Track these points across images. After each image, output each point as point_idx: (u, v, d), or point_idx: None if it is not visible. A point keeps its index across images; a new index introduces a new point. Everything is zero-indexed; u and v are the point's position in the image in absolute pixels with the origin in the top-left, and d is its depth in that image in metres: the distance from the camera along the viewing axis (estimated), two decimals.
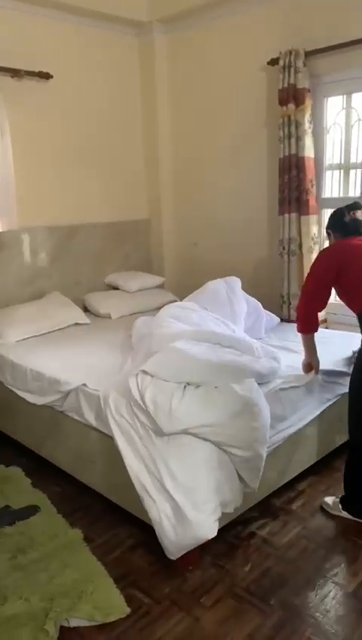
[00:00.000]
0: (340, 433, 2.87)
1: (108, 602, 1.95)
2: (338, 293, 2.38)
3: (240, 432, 2.02)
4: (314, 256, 3.29)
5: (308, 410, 2.55)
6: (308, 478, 2.71)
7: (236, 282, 3.19)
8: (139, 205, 4.37)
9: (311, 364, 2.53)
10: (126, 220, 4.24)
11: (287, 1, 3.31)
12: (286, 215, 3.39)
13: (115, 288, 4.09)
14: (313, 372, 2.53)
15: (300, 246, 3.42)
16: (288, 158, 3.32)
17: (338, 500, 2.44)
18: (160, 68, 4.09)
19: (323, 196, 3.49)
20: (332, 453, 2.84)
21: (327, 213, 3.50)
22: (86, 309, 3.90)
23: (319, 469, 2.77)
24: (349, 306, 2.36)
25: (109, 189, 4.12)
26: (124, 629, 1.86)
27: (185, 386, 2.14)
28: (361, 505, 2.37)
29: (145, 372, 2.19)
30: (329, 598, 1.96)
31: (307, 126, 3.24)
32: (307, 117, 3.23)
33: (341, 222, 2.44)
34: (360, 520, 2.37)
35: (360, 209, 2.44)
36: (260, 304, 3.25)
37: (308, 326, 2.46)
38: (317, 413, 2.59)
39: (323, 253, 2.46)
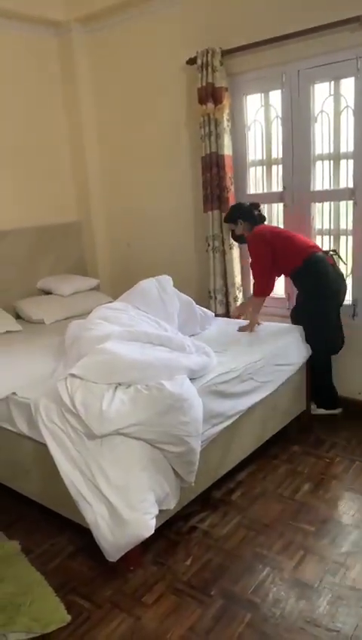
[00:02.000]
0: (275, 422, 2.95)
1: (48, 612, 1.91)
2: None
3: (171, 428, 2.03)
4: (235, 252, 3.52)
5: (243, 402, 2.59)
6: (247, 468, 2.77)
7: (167, 281, 3.19)
8: (69, 207, 4.31)
9: (250, 325, 3.16)
10: (55, 223, 4.17)
11: (204, 0, 3.36)
12: (210, 212, 3.46)
13: (48, 293, 4.01)
14: (248, 330, 3.14)
15: (223, 242, 3.50)
16: (209, 156, 3.38)
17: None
18: (80, 67, 4.05)
19: (247, 192, 3.57)
20: (268, 442, 2.91)
21: None
22: (18, 316, 3.81)
23: (257, 458, 2.84)
24: (283, 273, 3.18)
25: (36, 193, 4.03)
26: (64, 638, 1.83)
27: (115, 387, 2.14)
28: (328, 400, 3.27)
29: (73, 375, 2.16)
30: (267, 583, 2.01)
31: (226, 124, 3.31)
32: (225, 115, 3.30)
33: (251, 214, 3.21)
34: (331, 411, 3.30)
35: (259, 206, 3.27)
36: (193, 301, 3.28)
37: (267, 291, 3.15)
38: (252, 404, 2.64)
39: (258, 242, 3.09)
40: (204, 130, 3.35)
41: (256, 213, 3.22)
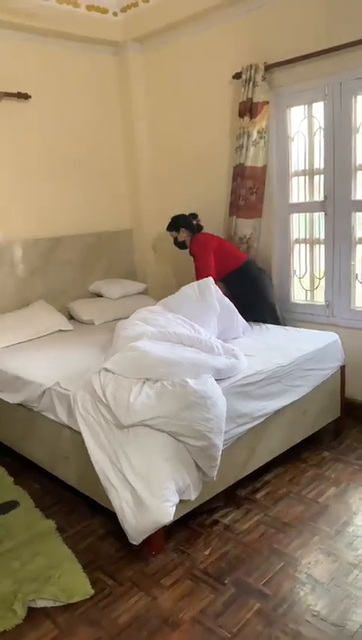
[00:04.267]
0: (306, 426, 3.00)
1: (74, 585, 2.09)
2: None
3: (193, 423, 2.16)
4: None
5: (271, 404, 2.67)
6: (274, 469, 2.84)
7: (207, 286, 3.31)
8: (122, 216, 4.55)
9: None
10: (109, 230, 4.42)
11: (250, 16, 3.49)
12: (233, 217, 3.70)
13: (99, 295, 4.26)
14: None
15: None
16: (237, 166, 3.58)
17: None
18: (135, 84, 4.29)
19: (290, 202, 3.64)
20: (299, 445, 2.96)
21: (295, 217, 3.68)
22: (71, 317, 4.07)
23: (286, 460, 2.90)
24: (219, 275, 3.56)
25: (92, 202, 4.30)
26: (86, 608, 2.00)
27: (144, 382, 2.30)
28: None
29: (107, 370, 2.35)
30: (280, 577, 2.08)
31: (255, 137, 3.46)
32: (257, 129, 3.44)
33: (191, 224, 3.74)
34: None
35: (198, 217, 3.78)
36: (233, 306, 3.38)
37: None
38: (280, 406, 2.71)
39: (201, 247, 3.59)
40: (238, 142, 3.52)
41: (195, 222, 3.75)
